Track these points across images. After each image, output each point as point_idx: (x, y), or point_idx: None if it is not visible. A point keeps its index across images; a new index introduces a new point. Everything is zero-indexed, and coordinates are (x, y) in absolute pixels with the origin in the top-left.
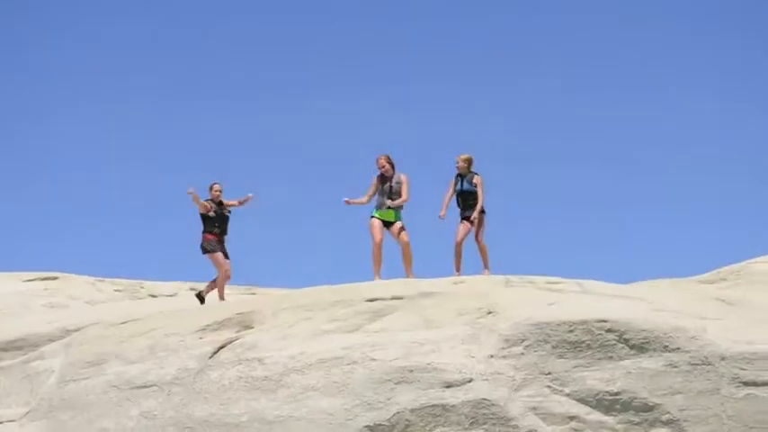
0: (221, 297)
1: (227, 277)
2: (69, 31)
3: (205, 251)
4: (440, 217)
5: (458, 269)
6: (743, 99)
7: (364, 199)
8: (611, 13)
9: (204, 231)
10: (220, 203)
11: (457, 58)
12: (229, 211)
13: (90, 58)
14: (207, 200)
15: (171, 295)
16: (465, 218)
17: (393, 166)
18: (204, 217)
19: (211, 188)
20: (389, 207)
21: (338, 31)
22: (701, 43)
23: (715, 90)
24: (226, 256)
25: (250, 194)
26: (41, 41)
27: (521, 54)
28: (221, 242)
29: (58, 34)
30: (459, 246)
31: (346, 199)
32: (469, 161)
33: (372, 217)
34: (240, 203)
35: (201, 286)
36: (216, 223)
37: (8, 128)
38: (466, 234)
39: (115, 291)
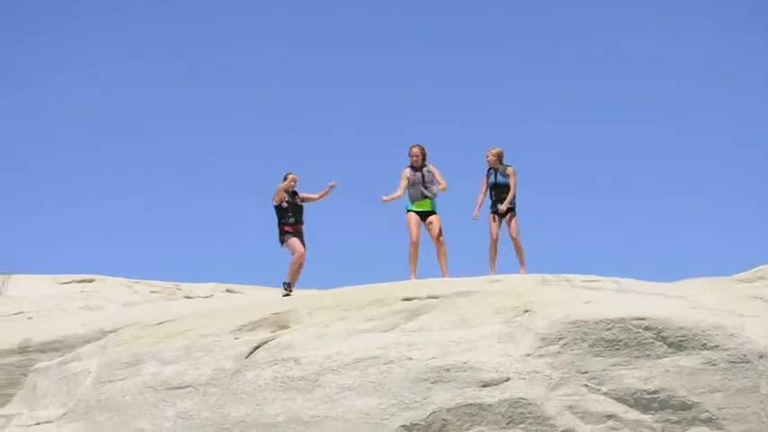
0: (292, 279)
1: (301, 264)
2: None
3: (282, 242)
4: (473, 217)
5: (493, 267)
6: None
7: (399, 192)
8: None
9: (280, 223)
10: (294, 193)
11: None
12: (303, 200)
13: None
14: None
15: (207, 297)
16: (495, 212)
17: (425, 157)
18: (278, 209)
19: (286, 177)
20: (426, 196)
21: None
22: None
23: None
24: (302, 245)
25: (332, 182)
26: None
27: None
28: (298, 232)
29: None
30: (494, 243)
31: (384, 197)
32: (500, 155)
33: (409, 211)
34: (322, 196)
35: (238, 288)
36: (290, 213)
37: (44, 128)
38: (498, 230)
39: (151, 292)
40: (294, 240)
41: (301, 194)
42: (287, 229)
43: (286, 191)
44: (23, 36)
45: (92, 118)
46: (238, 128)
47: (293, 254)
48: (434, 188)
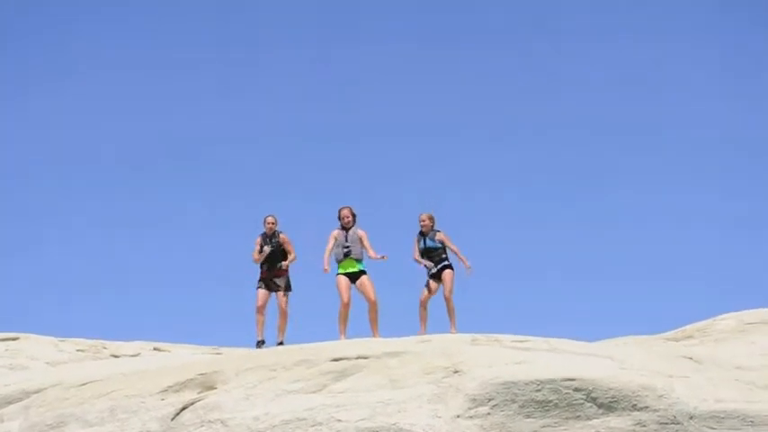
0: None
1: (258, 317)
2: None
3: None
4: (425, 266)
5: (423, 326)
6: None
7: (326, 256)
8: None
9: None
10: (273, 235)
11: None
12: (277, 244)
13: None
14: (262, 233)
15: (134, 355)
16: (433, 275)
17: (354, 218)
18: None
19: (265, 221)
20: (350, 255)
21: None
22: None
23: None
24: (273, 287)
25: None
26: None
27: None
28: (268, 278)
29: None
30: (423, 303)
31: (326, 267)
32: (433, 219)
33: (338, 274)
34: (289, 262)
35: (165, 346)
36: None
37: None
38: (431, 295)
39: (77, 351)
40: (258, 292)
41: (282, 238)
42: (260, 281)
43: (262, 240)
44: None
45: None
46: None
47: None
48: (358, 249)
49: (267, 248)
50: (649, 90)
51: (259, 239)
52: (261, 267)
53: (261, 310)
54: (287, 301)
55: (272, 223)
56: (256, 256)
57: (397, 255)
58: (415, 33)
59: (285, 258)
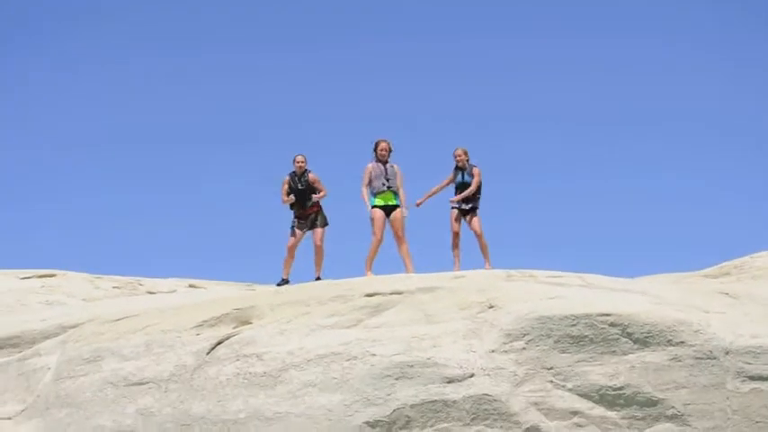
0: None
1: (289, 255)
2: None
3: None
4: (416, 204)
5: (457, 262)
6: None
7: (364, 191)
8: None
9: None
10: (303, 175)
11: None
12: (311, 183)
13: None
14: (291, 173)
15: (170, 292)
16: (458, 208)
17: (390, 153)
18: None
19: (294, 160)
20: (389, 188)
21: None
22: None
23: (719, 83)
24: (309, 225)
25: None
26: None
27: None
28: (302, 217)
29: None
30: (455, 238)
31: (369, 208)
32: (467, 153)
33: (374, 207)
34: (319, 197)
35: (201, 283)
36: (295, 201)
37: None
38: (459, 224)
39: (113, 288)
40: (294, 231)
41: (311, 177)
42: (294, 219)
43: (291, 180)
44: None
45: (57, 111)
46: (199, 129)
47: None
48: (395, 184)
49: (292, 197)
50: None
51: (287, 179)
52: (291, 208)
53: (291, 250)
54: (323, 237)
55: (302, 162)
56: (285, 198)
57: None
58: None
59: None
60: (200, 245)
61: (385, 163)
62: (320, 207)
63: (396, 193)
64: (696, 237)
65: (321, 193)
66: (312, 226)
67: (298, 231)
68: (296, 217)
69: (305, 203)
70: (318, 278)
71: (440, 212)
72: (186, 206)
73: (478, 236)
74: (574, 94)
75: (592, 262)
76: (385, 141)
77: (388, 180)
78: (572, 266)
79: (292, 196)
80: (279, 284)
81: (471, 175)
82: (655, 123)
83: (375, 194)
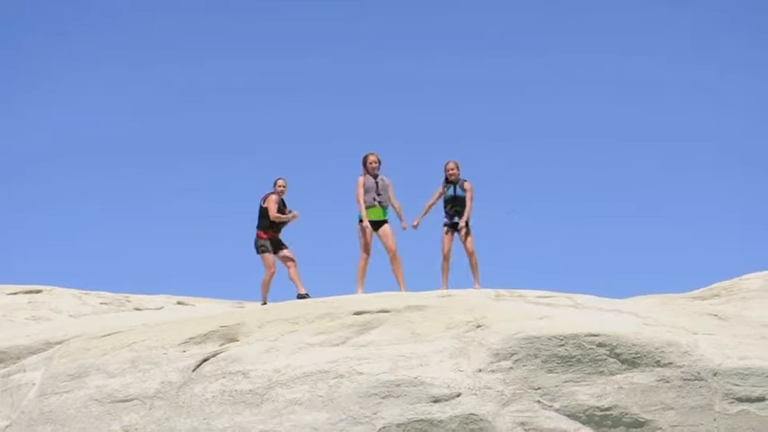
0: (263, 298)
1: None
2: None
3: (258, 250)
4: (412, 226)
5: (445, 282)
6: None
7: (362, 205)
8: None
9: (258, 228)
10: (282, 201)
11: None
12: (287, 211)
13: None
14: (271, 192)
15: (157, 309)
16: (451, 225)
17: (379, 165)
18: (262, 213)
19: (275, 183)
20: (379, 203)
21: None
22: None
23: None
24: (280, 248)
25: (296, 212)
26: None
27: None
28: (275, 241)
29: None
30: (446, 258)
31: (414, 222)
32: (459, 167)
33: (361, 221)
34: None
35: (189, 300)
36: (271, 221)
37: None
38: (451, 243)
39: (101, 303)
40: (269, 256)
41: (287, 208)
42: (263, 236)
43: (278, 194)
44: None
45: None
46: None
47: (266, 271)
48: (386, 198)
49: (296, 212)
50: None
51: (275, 197)
52: (266, 231)
53: (273, 274)
54: (291, 252)
55: (284, 186)
56: (283, 216)
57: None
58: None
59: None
60: (189, 262)
61: (375, 176)
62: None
63: (385, 209)
64: (685, 259)
65: (291, 214)
66: (279, 247)
67: (271, 256)
68: (268, 241)
69: (281, 227)
70: (303, 295)
71: (428, 228)
72: (176, 222)
73: (470, 254)
74: (566, 113)
75: (581, 283)
76: (373, 154)
77: (378, 195)
78: (561, 287)
79: (295, 213)
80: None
81: (463, 189)
82: (646, 145)
83: (365, 209)
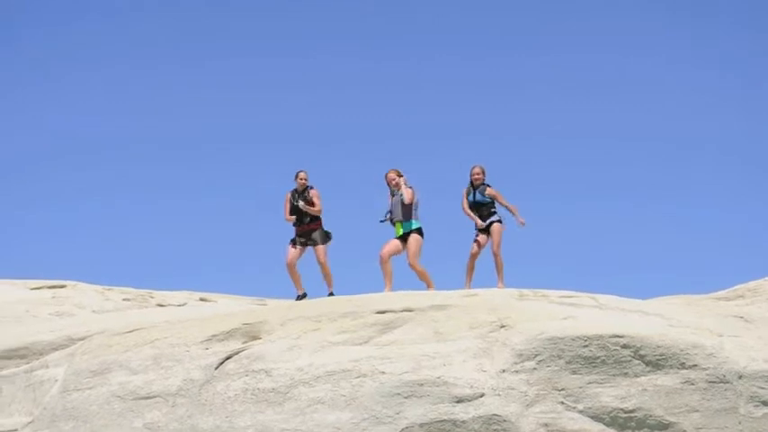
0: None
1: (289, 271)
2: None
3: None
4: (521, 224)
5: (469, 281)
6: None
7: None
8: None
9: None
10: (304, 191)
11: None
12: (297, 200)
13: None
14: (293, 190)
15: (180, 305)
16: (481, 230)
17: (401, 178)
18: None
19: (297, 176)
20: (399, 220)
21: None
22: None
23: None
24: (309, 243)
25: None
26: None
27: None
28: (300, 234)
29: None
30: (473, 258)
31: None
32: (484, 172)
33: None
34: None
35: (212, 297)
36: (294, 215)
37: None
38: (483, 246)
39: (123, 300)
40: (288, 248)
41: (313, 193)
42: (295, 230)
43: (291, 197)
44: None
45: (66, 119)
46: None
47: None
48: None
49: (293, 217)
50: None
51: (288, 195)
52: (293, 223)
53: (290, 266)
54: (324, 254)
55: (304, 179)
56: (287, 216)
57: (445, 209)
58: None
59: (318, 218)
60: (213, 258)
61: (393, 194)
62: (320, 224)
63: (401, 222)
64: (710, 259)
65: (314, 208)
66: (311, 243)
67: (292, 248)
68: (296, 234)
69: (303, 220)
70: (332, 294)
71: (452, 228)
72: (199, 217)
73: (495, 254)
74: (590, 114)
75: (604, 283)
76: (390, 171)
77: (389, 212)
78: (585, 287)
79: (294, 216)
80: (298, 299)
81: (483, 195)
82: (670, 146)
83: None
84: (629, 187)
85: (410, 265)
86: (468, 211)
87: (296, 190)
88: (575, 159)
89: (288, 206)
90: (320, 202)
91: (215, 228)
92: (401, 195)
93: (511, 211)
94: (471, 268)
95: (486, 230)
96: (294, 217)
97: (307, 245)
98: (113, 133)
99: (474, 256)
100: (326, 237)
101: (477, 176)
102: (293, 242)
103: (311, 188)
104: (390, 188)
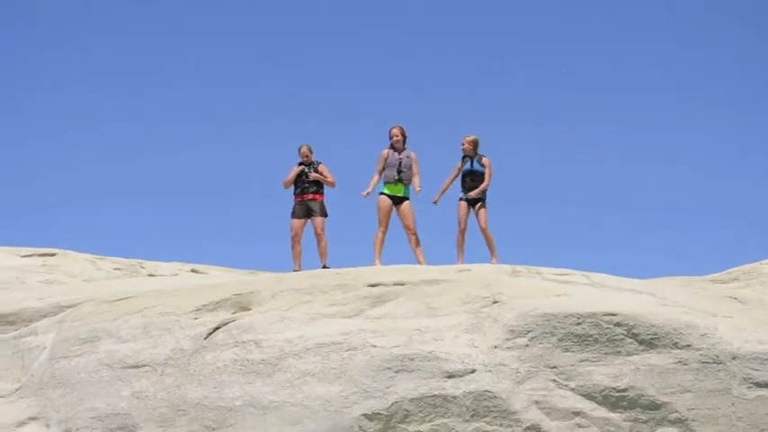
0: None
1: (293, 244)
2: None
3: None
4: (433, 202)
5: (461, 256)
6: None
7: (375, 177)
8: None
9: None
10: (310, 165)
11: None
12: (310, 170)
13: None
14: (299, 163)
15: (171, 276)
16: (467, 199)
17: (405, 139)
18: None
19: (299, 151)
20: (400, 180)
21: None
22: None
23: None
24: (308, 214)
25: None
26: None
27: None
28: (301, 203)
29: None
30: (462, 232)
31: (364, 192)
32: (475, 143)
33: (381, 194)
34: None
35: (203, 269)
36: (297, 183)
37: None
38: (467, 218)
39: (114, 269)
40: (292, 221)
41: (322, 168)
42: (295, 199)
43: (300, 168)
44: None
45: (65, 94)
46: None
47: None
48: (410, 175)
49: (296, 168)
50: None
51: (297, 167)
52: (294, 193)
53: (295, 239)
54: (323, 226)
55: (306, 155)
56: (287, 180)
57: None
58: None
59: (321, 191)
60: (205, 230)
61: (400, 151)
62: (322, 197)
63: (407, 186)
64: (705, 242)
65: (327, 178)
66: (310, 214)
67: (296, 221)
68: (295, 206)
69: (308, 189)
70: (325, 266)
71: (445, 203)
72: (192, 190)
73: (483, 230)
74: (582, 96)
75: (598, 263)
76: (397, 127)
77: (400, 173)
78: (579, 266)
79: (294, 170)
80: None
81: (481, 164)
82: (667, 128)
83: (385, 183)
84: (623, 166)
85: (410, 229)
86: (445, 187)
87: (302, 164)
88: (572, 141)
89: (292, 174)
90: (329, 173)
91: (209, 200)
92: (408, 156)
93: (481, 187)
94: (461, 243)
95: (469, 203)
96: (293, 175)
97: (306, 216)
98: (111, 104)
99: (462, 231)
100: (324, 211)
101: (464, 147)
102: (294, 214)
103: (320, 163)
104: (393, 145)
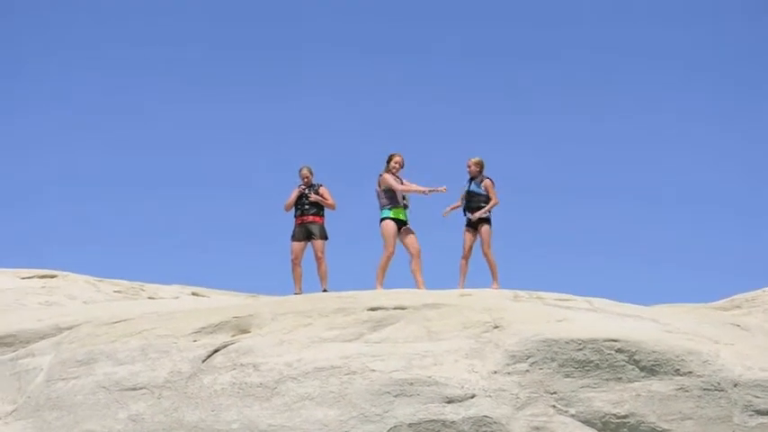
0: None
1: (293, 267)
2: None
3: None
4: (442, 215)
5: (462, 281)
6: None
7: (420, 187)
8: None
9: None
10: (310, 188)
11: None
12: (311, 192)
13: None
14: (299, 185)
15: (172, 299)
16: (468, 223)
17: (402, 166)
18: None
19: (300, 173)
20: (405, 205)
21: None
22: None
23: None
24: (308, 236)
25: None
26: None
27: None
28: (301, 225)
29: None
30: (466, 257)
31: (441, 188)
32: (481, 165)
33: (385, 219)
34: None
35: (204, 291)
36: (296, 205)
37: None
38: (471, 245)
39: (115, 291)
40: (292, 244)
41: (323, 191)
42: (295, 222)
43: (301, 190)
44: None
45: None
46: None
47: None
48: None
49: (297, 189)
50: None
51: (298, 189)
52: (294, 215)
53: (296, 262)
54: (323, 249)
55: (307, 176)
56: (288, 204)
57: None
58: None
59: (321, 213)
60: (206, 253)
61: (398, 178)
62: (323, 220)
63: (406, 210)
64: (707, 269)
65: (327, 201)
66: (310, 237)
67: (296, 244)
68: (295, 228)
69: (308, 211)
70: (325, 290)
71: (448, 226)
72: (194, 213)
73: (485, 254)
74: (590, 115)
75: (600, 289)
76: (399, 155)
77: (404, 198)
78: (581, 292)
79: (294, 193)
80: None
81: (480, 186)
82: (671, 151)
83: (391, 208)
84: (629, 192)
85: (416, 253)
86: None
87: (303, 186)
88: (579, 163)
89: (293, 197)
90: (330, 195)
91: (210, 223)
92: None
93: (489, 206)
94: (464, 268)
95: (474, 227)
96: (293, 198)
97: (306, 239)
98: (108, 127)
99: (465, 257)
100: (325, 234)
101: (469, 169)
102: (294, 237)
103: (321, 185)
104: (394, 173)
